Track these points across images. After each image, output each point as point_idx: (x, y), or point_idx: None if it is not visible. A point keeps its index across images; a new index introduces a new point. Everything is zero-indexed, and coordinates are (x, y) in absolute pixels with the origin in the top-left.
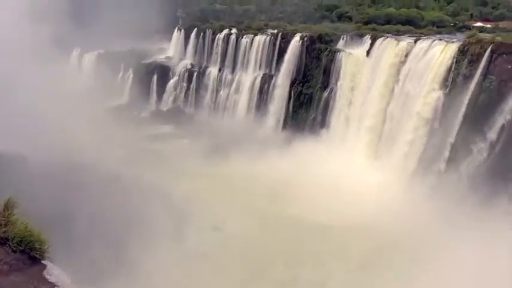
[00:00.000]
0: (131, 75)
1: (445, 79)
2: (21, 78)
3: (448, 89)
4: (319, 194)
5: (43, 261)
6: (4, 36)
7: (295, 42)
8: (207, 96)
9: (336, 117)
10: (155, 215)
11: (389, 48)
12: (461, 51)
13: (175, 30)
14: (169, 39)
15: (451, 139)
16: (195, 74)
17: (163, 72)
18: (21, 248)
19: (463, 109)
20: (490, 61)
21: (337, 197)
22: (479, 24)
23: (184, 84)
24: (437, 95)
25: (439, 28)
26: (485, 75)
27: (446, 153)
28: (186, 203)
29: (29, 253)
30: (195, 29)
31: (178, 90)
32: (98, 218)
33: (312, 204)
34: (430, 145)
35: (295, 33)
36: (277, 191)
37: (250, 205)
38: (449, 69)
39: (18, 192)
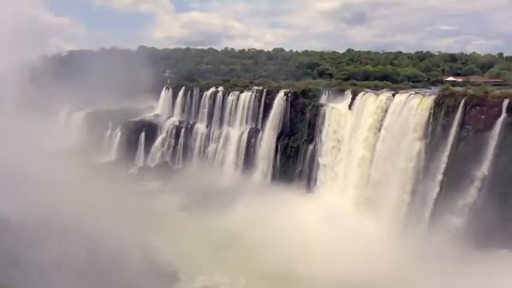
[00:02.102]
0: (119, 133)
1: (425, 130)
2: (7, 137)
3: (428, 139)
4: (306, 247)
5: None
6: None
7: (280, 97)
8: (195, 152)
9: (323, 169)
10: (141, 277)
11: (370, 101)
12: (437, 104)
13: (164, 89)
14: (158, 98)
15: (436, 188)
16: (183, 130)
17: (151, 129)
18: None
19: (445, 157)
20: (464, 112)
21: (325, 250)
22: (451, 78)
23: (172, 141)
24: (419, 145)
25: (414, 83)
26: (461, 125)
27: (432, 204)
28: (173, 261)
29: None
30: (183, 87)
31: (166, 146)
32: (82, 280)
33: (298, 258)
34: (416, 195)
35: (280, 89)
36: (266, 245)
37: (236, 261)
38: (427, 120)
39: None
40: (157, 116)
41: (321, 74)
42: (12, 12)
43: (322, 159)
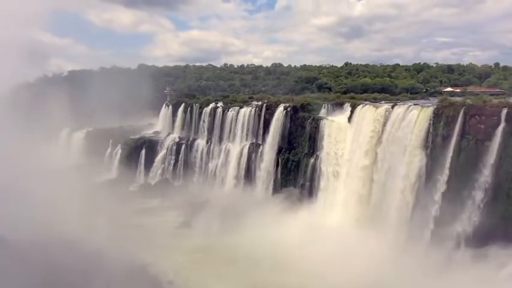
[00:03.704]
0: (119, 151)
1: (425, 140)
2: (9, 157)
3: (429, 149)
4: (306, 261)
5: None
6: None
7: (280, 112)
8: (196, 168)
9: (324, 183)
10: None
11: (369, 114)
12: (437, 114)
13: (163, 106)
14: (157, 115)
15: (439, 199)
16: (183, 146)
17: (151, 146)
18: None
19: (446, 168)
20: (464, 122)
21: (326, 265)
22: (449, 89)
23: (173, 157)
24: (420, 156)
25: (412, 94)
26: (462, 135)
27: (434, 215)
28: (174, 278)
29: None
30: (183, 104)
31: (166, 163)
32: None
33: (298, 271)
34: (418, 207)
35: (279, 104)
36: (267, 259)
37: (237, 276)
38: (427, 131)
39: None
40: (157, 133)
41: (320, 88)
42: (13, 34)
43: (323, 173)
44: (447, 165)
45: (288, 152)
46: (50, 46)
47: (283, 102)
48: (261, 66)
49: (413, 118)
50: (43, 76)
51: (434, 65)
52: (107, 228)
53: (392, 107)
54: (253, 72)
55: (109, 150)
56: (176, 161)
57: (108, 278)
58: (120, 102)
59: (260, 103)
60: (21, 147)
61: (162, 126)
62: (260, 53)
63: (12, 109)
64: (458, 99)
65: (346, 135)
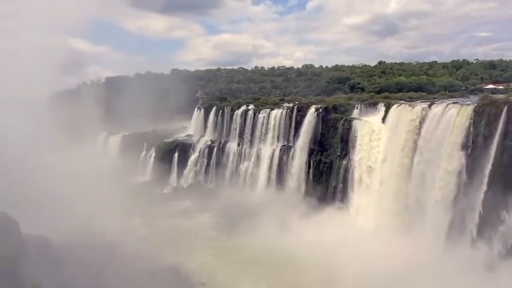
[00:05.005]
0: (153, 154)
1: (465, 140)
2: (50, 160)
3: (469, 149)
4: (338, 263)
5: None
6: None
7: (311, 113)
8: (227, 171)
9: (358, 185)
10: None
11: (405, 113)
12: (477, 113)
13: (196, 109)
14: (190, 118)
15: (480, 202)
16: (215, 149)
17: (184, 149)
18: None
19: (488, 169)
20: (507, 121)
21: (355, 269)
22: (490, 86)
23: (205, 160)
24: (460, 156)
25: (451, 92)
26: (505, 134)
27: (476, 219)
28: (207, 280)
29: None
30: (214, 107)
31: (198, 165)
32: None
33: (330, 276)
34: (458, 211)
35: (310, 105)
36: (299, 263)
37: (269, 278)
38: (467, 131)
39: (43, 276)
40: (189, 136)
41: (352, 88)
42: (54, 43)
43: (356, 175)
44: (489, 166)
45: (319, 153)
46: (89, 54)
47: (314, 104)
48: (292, 68)
49: (452, 117)
50: (82, 83)
51: (474, 61)
52: (141, 230)
53: (430, 105)
54: (284, 74)
55: (143, 153)
56: (208, 163)
57: (143, 277)
58: (154, 106)
59: (291, 105)
60: (62, 149)
61: (194, 129)
62: (291, 55)
63: (54, 114)
64: (500, 96)
65: (381, 136)
